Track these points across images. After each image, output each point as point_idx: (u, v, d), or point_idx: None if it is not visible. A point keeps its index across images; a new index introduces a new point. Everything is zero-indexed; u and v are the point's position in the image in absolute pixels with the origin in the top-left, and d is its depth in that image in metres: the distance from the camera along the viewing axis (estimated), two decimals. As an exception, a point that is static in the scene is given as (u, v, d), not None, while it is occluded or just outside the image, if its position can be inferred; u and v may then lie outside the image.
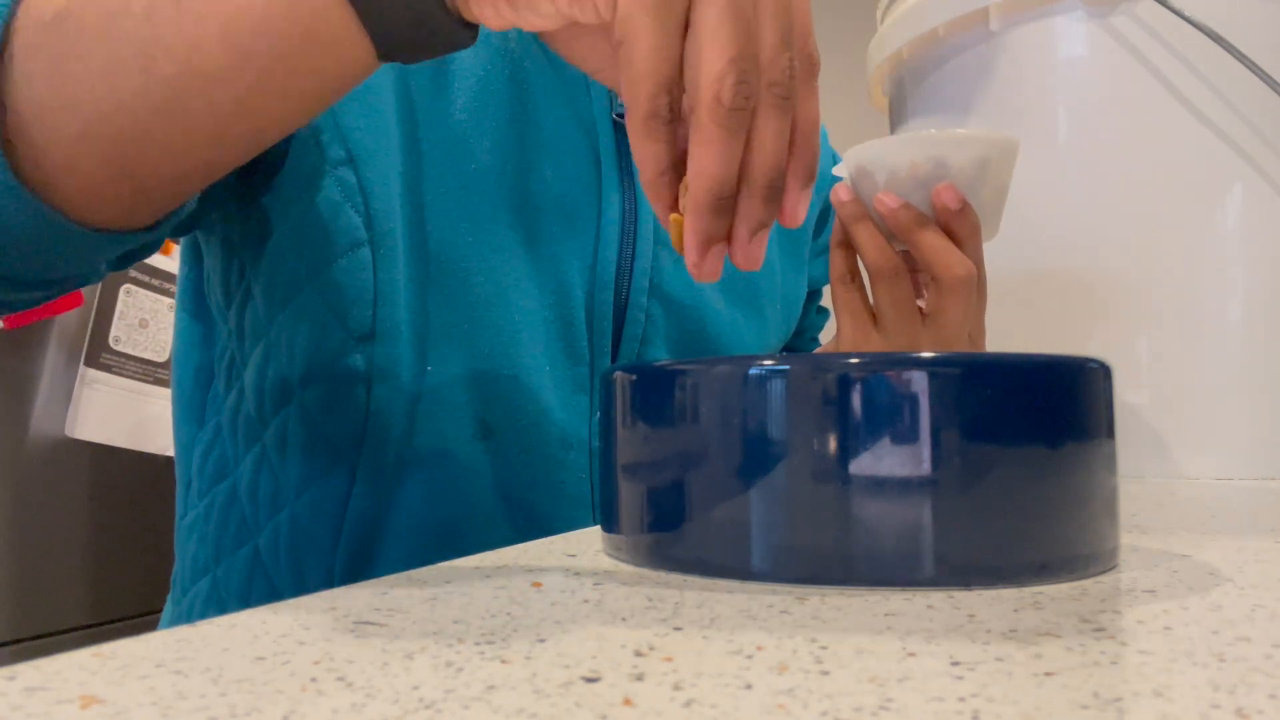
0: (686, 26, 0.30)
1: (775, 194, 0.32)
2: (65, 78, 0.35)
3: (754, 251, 0.33)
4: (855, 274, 0.59)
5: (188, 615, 0.58)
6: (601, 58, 0.36)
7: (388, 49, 0.35)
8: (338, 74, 0.36)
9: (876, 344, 0.57)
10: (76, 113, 0.35)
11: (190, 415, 0.60)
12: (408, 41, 0.35)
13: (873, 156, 0.54)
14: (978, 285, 0.55)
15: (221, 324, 0.57)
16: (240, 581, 0.55)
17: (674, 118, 0.31)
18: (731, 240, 0.33)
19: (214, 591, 0.57)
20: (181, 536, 0.60)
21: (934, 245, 0.53)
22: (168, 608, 0.62)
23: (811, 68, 0.33)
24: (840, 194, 0.56)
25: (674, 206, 0.34)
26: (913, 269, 0.60)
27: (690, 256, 0.33)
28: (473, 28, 0.35)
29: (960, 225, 0.53)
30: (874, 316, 0.58)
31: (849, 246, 0.58)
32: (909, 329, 0.55)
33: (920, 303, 0.58)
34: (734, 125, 0.30)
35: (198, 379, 0.59)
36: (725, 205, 0.32)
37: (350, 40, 0.35)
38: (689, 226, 0.33)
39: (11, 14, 0.35)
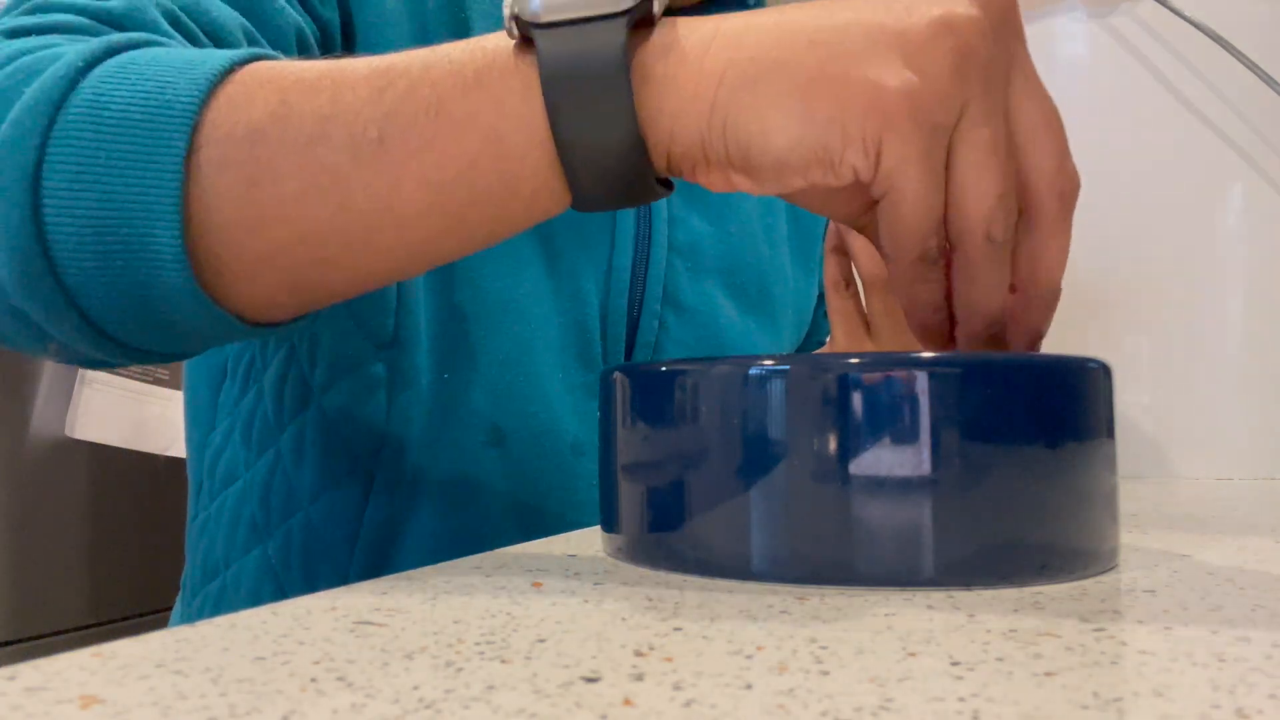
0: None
1: (1055, 300, 0.33)
2: (255, 200, 0.34)
3: (1034, 346, 0.34)
4: (850, 280, 0.58)
5: (196, 617, 0.58)
6: (843, 206, 0.35)
7: (584, 204, 0.34)
8: (526, 219, 0.35)
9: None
10: (264, 235, 0.34)
11: (201, 418, 0.60)
12: (608, 200, 0.34)
13: None
14: None
15: None
16: (250, 585, 0.55)
17: (941, 257, 0.31)
18: (1012, 343, 0.34)
19: (223, 594, 0.57)
20: (192, 539, 0.61)
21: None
22: (177, 608, 0.62)
23: (1074, 190, 0.32)
24: None
25: (946, 344, 0.34)
26: None
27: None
28: (669, 184, 0.35)
29: None
30: (868, 324, 0.57)
31: (844, 252, 0.57)
32: (902, 339, 0.55)
33: None
34: (1002, 258, 0.31)
35: (208, 380, 0.60)
36: (999, 321, 0.33)
37: (550, 193, 0.34)
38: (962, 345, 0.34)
39: (197, 123, 0.33)
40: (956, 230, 0.31)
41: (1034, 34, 0.71)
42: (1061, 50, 0.69)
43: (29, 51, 0.36)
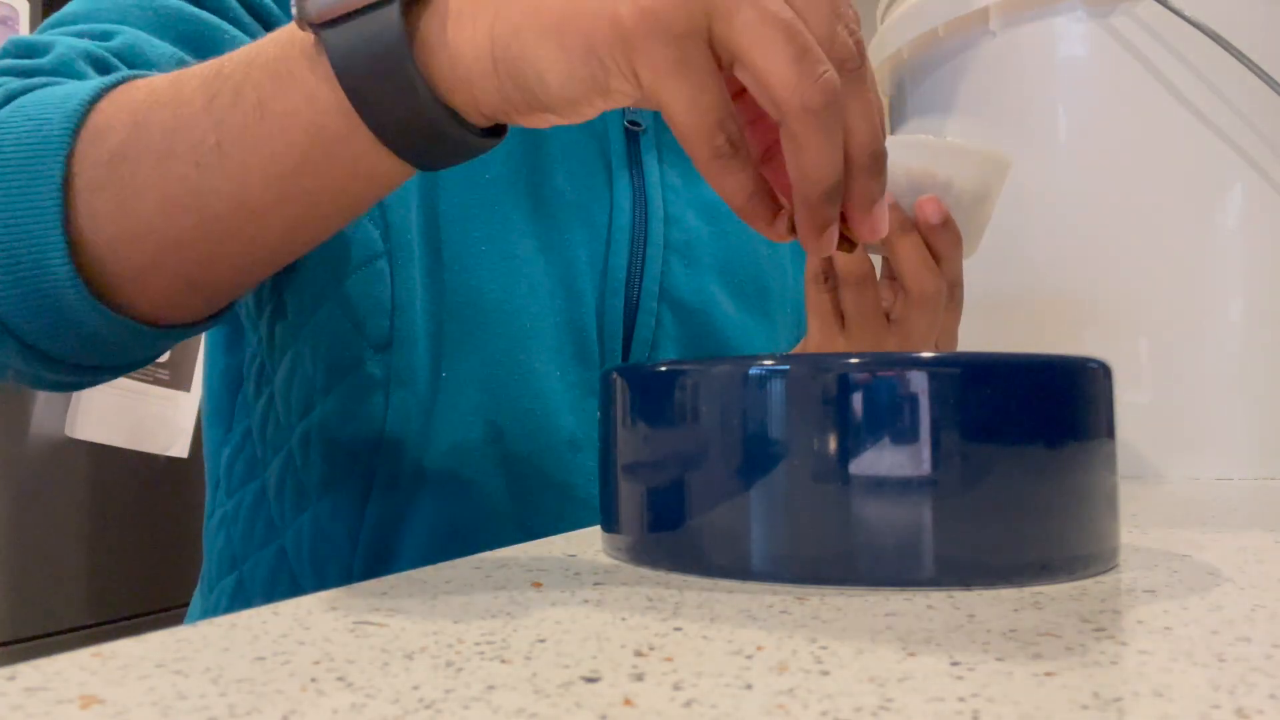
0: (720, 60, 0.30)
1: (881, 163, 0.32)
2: (127, 215, 0.37)
3: (877, 223, 0.33)
4: (830, 275, 0.57)
5: (214, 610, 0.60)
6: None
7: (427, 168, 0.36)
8: (378, 190, 0.38)
9: (840, 348, 0.55)
10: (142, 245, 0.38)
11: (219, 419, 0.62)
12: (449, 159, 0.36)
13: None
14: (951, 300, 0.54)
15: (251, 331, 0.58)
16: (265, 577, 0.57)
17: (737, 149, 0.31)
18: (852, 220, 0.33)
19: (240, 587, 0.58)
20: (209, 534, 0.62)
21: (910, 256, 0.51)
22: (195, 601, 0.63)
23: (857, 55, 0.32)
24: None
25: (773, 219, 0.33)
26: (890, 274, 0.58)
27: (810, 244, 0.33)
28: (500, 131, 0.36)
29: (941, 240, 0.51)
30: (844, 320, 0.57)
31: None
32: (873, 335, 0.54)
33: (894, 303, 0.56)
34: (830, 122, 0.30)
35: (225, 382, 0.61)
36: (836, 193, 0.32)
37: (389, 166, 0.36)
38: (803, 220, 0.32)
39: (70, 152, 0.37)
40: (772, 109, 0.31)
41: (1034, 34, 0.71)
42: (1061, 50, 0.69)
43: None
